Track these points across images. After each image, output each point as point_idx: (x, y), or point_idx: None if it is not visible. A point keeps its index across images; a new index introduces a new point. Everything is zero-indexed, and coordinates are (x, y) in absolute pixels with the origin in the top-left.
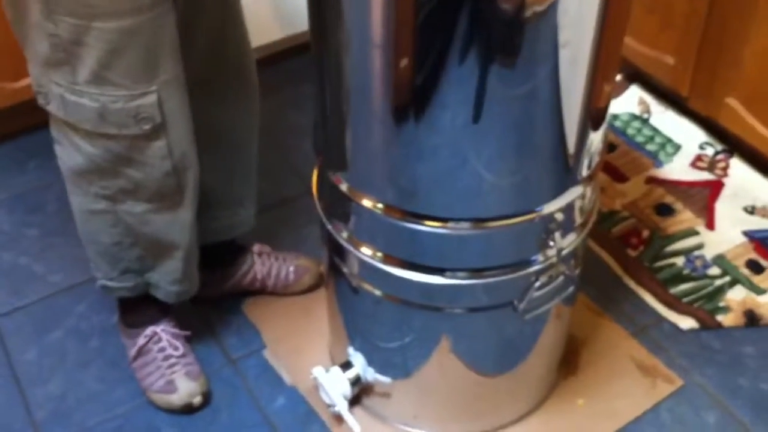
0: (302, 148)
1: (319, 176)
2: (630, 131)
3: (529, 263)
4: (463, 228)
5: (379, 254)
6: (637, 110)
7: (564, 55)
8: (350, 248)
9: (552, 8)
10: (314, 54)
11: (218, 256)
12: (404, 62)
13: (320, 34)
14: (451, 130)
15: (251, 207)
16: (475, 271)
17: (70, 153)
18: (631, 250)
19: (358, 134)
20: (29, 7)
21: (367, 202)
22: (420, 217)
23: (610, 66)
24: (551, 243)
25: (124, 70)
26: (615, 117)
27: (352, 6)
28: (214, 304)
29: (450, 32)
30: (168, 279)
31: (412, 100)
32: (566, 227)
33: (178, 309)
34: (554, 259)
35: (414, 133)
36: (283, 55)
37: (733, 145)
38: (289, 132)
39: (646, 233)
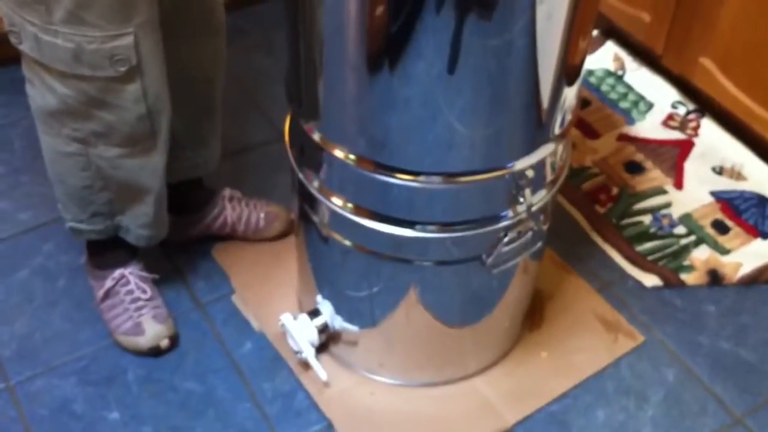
0: (274, 94)
1: (291, 124)
2: (604, 88)
3: (498, 218)
4: (434, 182)
5: (350, 205)
6: (611, 66)
7: (541, 7)
8: (321, 198)
9: None
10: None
11: (188, 200)
12: (379, 9)
13: None
14: (425, 80)
15: (216, 147)
16: (445, 225)
17: (43, 93)
18: (599, 206)
19: (331, 83)
20: None
21: (339, 153)
22: (391, 170)
23: (587, 21)
24: (521, 199)
25: (100, 11)
26: (590, 73)
27: None
28: (183, 248)
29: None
30: (138, 223)
31: (387, 48)
32: (537, 184)
33: (146, 252)
34: (523, 215)
35: (388, 82)
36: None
37: (705, 105)
38: (261, 77)
39: (615, 190)
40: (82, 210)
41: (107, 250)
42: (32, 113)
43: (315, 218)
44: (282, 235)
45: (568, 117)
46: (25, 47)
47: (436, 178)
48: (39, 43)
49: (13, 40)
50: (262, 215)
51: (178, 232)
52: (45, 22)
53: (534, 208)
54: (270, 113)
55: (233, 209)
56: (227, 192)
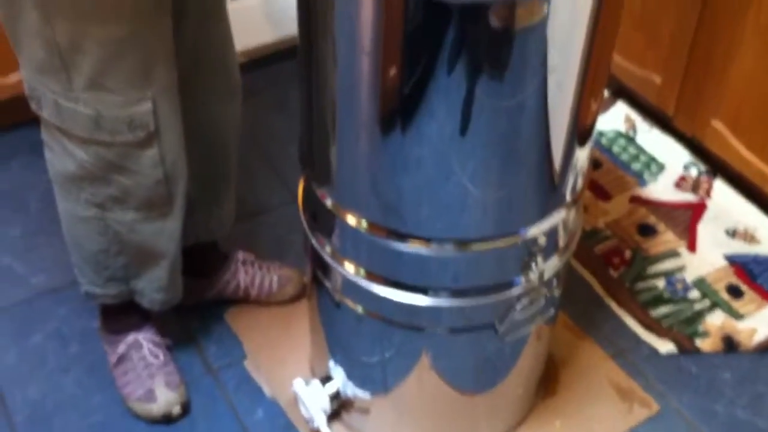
0: (288, 154)
1: (304, 188)
2: (615, 149)
3: (510, 285)
4: (446, 248)
5: (362, 271)
6: (623, 127)
7: (552, 70)
8: (333, 264)
9: (541, 24)
10: (301, 62)
11: (201, 263)
12: (392, 72)
13: (309, 41)
14: (437, 143)
15: (230, 209)
16: (457, 292)
17: (61, 159)
18: (612, 269)
19: (344, 148)
20: (25, 10)
21: (351, 219)
22: (404, 236)
23: (598, 83)
24: (534, 266)
25: (120, 77)
26: (601, 134)
27: (341, 13)
28: (196, 311)
29: (438, 43)
30: (153, 287)
31: (399, 110)
32: (549, 250)
33: (159, 316)
34: (536, 282)
35: (399, 145)
36: (272, 58)
37: (717, 166)
38: (275, 137)
39: (628, 253)
40: (98, 274)
41: (121, 315)
42: (50, 177)
43: (327, 284)
44: (295, 299)
45: (580, 181)
46: (45, 113)
47: (448, 245)
48: (59, 109)
49: (33, 105)
50: (275, 278)
51: (192, 295)
52: (65, 89)
53: (547, 275)
54: (284, 173)
55: (246, 273)
56: (240, 255)
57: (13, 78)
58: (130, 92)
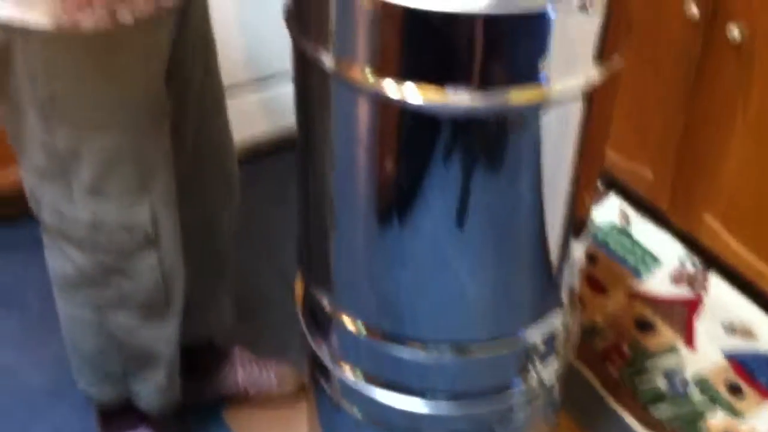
0: (286, 248)
1: (303, 289)
2: (610, 242)
3: (509, 388)
4: (444, 352)
5: (360, 374)
6: (617, 220)
7: (546, 168)
8: (331, 366)
9: (533, 127)
10: (299, 162)
11: (200, 363)
12: (388, 173)
13: (306, 141)
14: (433, 242)
15: (228, 307)
16: (455, 395)
17: (60, 261)
18: (612, 367)
19: (341, 248)
20: (27, 117)
21: (348, 322)
22: (401, 339)
23: (591, 179)
24: (532, 369)
25: (119, 184)
26: (595, 227)
27: (338, 112)
28: (194, 409)
29: (432, 148)
30: (151, 389)
31: (395, 209)
32: (548, 353)
33: (157, 416)
34: (535, 384)
35: (396, 245)
36: (271, 151)
37: (712, 261)
38: (274, 231)
39: (626, 349)
40: (95, 375)
41: (118, 415)
42: (49, 274)
43: (326, 385)
44: (294, 396)
45: (577, 278)
46: (44, 216)
47: (446, 348)
48: (59, 213)
49: (32, 207)
50: (273, 376)
51: (190, 393)
52: (65, 194)
53: (546, 378)
54: (283, 268)
55: (244, 370)
56: (238, 353)
57: (16, 171)
58: (128, 198)
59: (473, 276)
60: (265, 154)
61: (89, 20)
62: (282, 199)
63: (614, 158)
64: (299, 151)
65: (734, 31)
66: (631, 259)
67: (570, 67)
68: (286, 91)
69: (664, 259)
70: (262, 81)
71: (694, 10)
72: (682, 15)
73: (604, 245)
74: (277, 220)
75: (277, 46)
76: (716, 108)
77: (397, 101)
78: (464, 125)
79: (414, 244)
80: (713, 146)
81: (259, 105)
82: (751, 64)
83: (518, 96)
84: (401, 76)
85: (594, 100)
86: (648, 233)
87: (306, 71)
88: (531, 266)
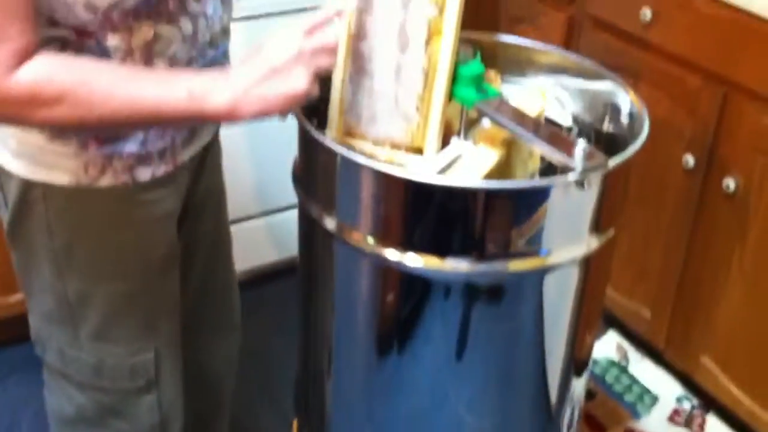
0: (286, 378)
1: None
2: (609, 378)
3: None
4: None
5: None
6: (615, 356)
7: (546, 321)
8: None
9: (532, 286)
10: (301, 311)
11: None
12: (386, 325)
13: (308, 294)
14: (432, 393)
15: None
16: None
17: (60, 401)
18: None
19: (338, 398)
20: (40, 264)
21: None
22: None
23: (592, 323)
24: None
25: (125, 330)
26: (594, 362)
27: (340, 270)
28: None
29: (431, 304)
30: None
31: (393, 362)
32: None
33: None
34: None
35: (394, 397)
36: (273, 276)
37: (710, 401)
38: (274, 360)
39: None
40: None
41: None
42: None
43: None
44: None
45: (576, 418)
46: (48, 358)
47: None
48: (63, 356)
49: (37, 350)
50: None
51: None
52: (71, 339)
53: None
54: (281, 400)
55: None
56: None
57: (13, 298)
58: (134, 343)
59: (472, 413)
60: (270, 279)
61: (109, 180)
62: (282, 326)
63: (613, 296)
64: (301, 300)
65: (729, 182)
66: (629, 397)
67: (568, 240)
68: (293, 218)
69: (661, 397)
70: (270, 212)
71: (691, 161)
72: (680, 164)
73: (601, 381)
74: (276, 349)
75: (286, 180)
76: (713, 253)
77: (398, 265)
78: (463, 287)
79: (412, 397)
80: (710, 289)
81: (266, 232)
82: (746, 214)
83: (517, 265)
84: (402, 245)
85: (591, 263)
86: (646, 371)
87: (310, 229)
88: (531, 404)
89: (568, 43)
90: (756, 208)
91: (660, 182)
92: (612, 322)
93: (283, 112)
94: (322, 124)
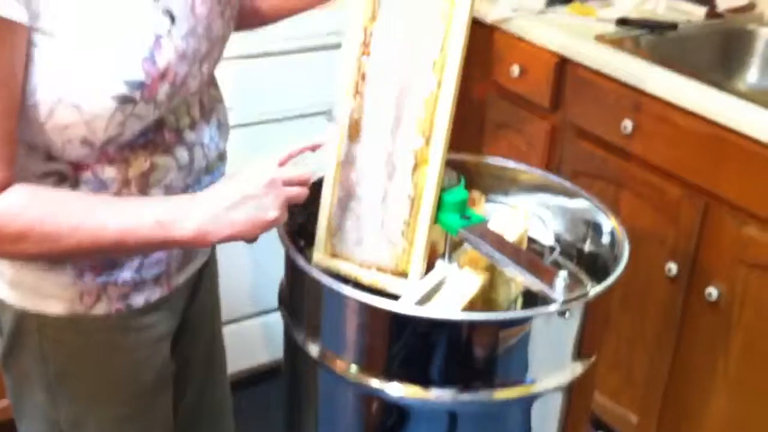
0: None
1: None
2: None
3: None
4: None
5: None
6: None
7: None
8: None
9: (516, 411)
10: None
11: None
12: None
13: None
14: None
15: None
16: None
17: None
18: None
19: None
20: (33, 389)
21: None
22: None
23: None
24: None
25: None
26: None
27: (323, 394)
28: None
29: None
30: None
31: None
32: None
33: None
34: None
35: None
36: (264, 378)
37: None
38: None
39: None
40: None
41: None
42: None
43: None
44: None
45: None
46: None
47: None
48: None
49: None
50: None
51: None
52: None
53: None
54: None
55: None
56: None
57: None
58: None
59: None
60: (260, 380)
61: (103, 308)
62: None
63: (600, 400)
64: (285, 421)
65: (712, 291)
66: None
67: (552, 368)
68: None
69: None
70: (263, 313)
71: (674, 268)
72: (663, 272)
73: None
74: None
75: (279, 279)
76: (699, 360)
77: (381, 394)
78: (448, 416)
79: None
80: (697, 396)
81: (260, 332)
82: (729, 322)
83: (501, 394)
84: (386, 375)
85: (575, 388)
86: None
87: (295, 353)
88: None
89: (552, 150)
90: (738, 317)
91: (644, 289)
92: (599, 426)
93: (251, 238)
94: (309, 242)
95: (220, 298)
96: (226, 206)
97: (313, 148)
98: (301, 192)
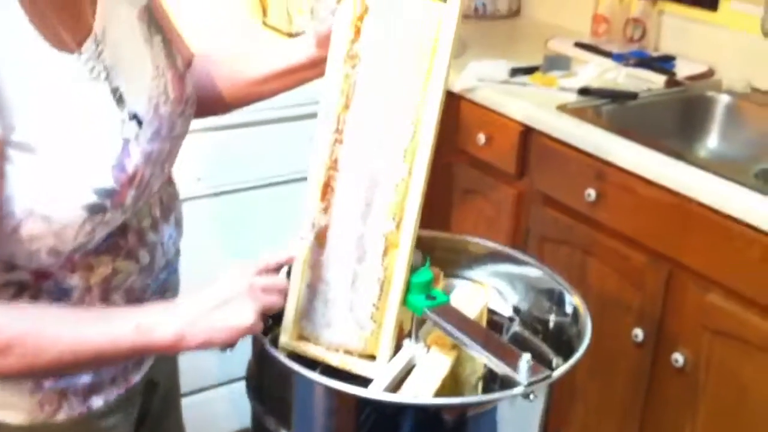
0: None
1: None
2: None
3: None
4: None
5: None
6: None
7: None
8: None
9: None
10: None
11: None
12: None
13: None
14: None
15: None
16: None
17: None
18: None
19: None
20: None
21: None
22: None
23: None
24: None
25: None
26: None
27: None
28: None
29: None
30: None
31: None
32: None
33: None
34: None
35: None
36: None
37: None
38: None
39: None
40: None
41: None
42: None
43: None
44: None
45: None
46: None
47: None
48: None
49: None
50: None
51: None
52: None
53: None
54: None
55: None
56: None
57: None
58: None
59: None
60: None
61: (64, 414)
62: None
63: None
64: None
65: (678, 357)
66: None
67: None
68: None
69: None
70: (230, 382)
71: (640, 334)
72: (630, 337)
73: None
74: None
75: (245, 347)
76: (666, 425)
77: None
78: None
79: None
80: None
81: (227, 400)
82: (695, 388)
83: None
84: None
85: None
86: None
87: None
88: None
89: (520, 215)
90: (705, 383)
91: (611, 355)
92: None
93: (227, 344)
94: (277, 321)
95: (179, 380)
96: (205, 311)
97: (288, 261)
98: (278, 300)
